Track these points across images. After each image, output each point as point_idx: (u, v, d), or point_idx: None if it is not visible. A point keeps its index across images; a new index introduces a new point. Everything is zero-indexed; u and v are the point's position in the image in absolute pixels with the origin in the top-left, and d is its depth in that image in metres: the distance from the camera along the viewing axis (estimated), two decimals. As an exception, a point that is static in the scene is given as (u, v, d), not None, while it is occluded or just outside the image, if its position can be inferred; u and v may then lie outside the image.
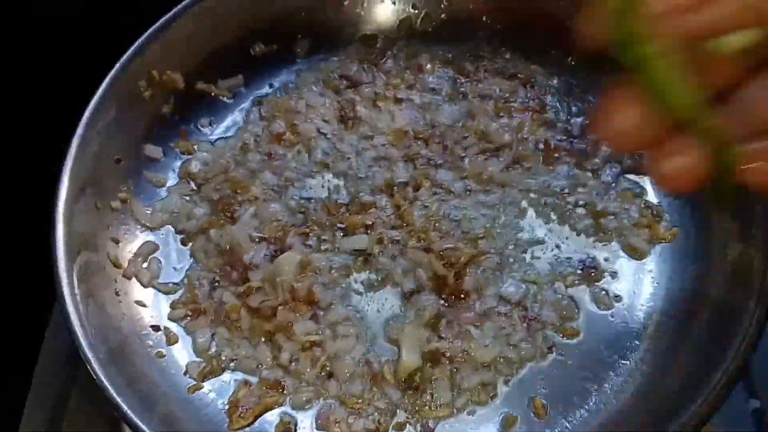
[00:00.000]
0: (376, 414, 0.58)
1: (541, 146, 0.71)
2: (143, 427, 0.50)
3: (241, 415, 0.58)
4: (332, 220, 0.67)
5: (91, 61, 0.67)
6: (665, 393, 0.57)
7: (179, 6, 0.69)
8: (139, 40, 0.67)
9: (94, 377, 0.52)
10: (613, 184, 0.69)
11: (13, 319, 0.70)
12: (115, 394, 0.51)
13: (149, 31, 0.68)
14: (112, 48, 0.69)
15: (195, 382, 0.60)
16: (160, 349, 0.61)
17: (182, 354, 0.61)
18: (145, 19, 0.68)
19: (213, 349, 0.61)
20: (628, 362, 0.60)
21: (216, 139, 0.74)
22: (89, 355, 0.53)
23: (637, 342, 0.61)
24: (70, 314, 0.55)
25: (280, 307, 0.61)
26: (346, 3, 0.78)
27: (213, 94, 0.75)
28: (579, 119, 0.73)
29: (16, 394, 0.68)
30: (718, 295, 0.61)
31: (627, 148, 0.42)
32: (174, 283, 0.65)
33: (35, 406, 0.67)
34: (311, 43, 0.78)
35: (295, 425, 0.58)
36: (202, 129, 0.74)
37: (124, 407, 0.50)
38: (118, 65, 0.66)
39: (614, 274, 0.64)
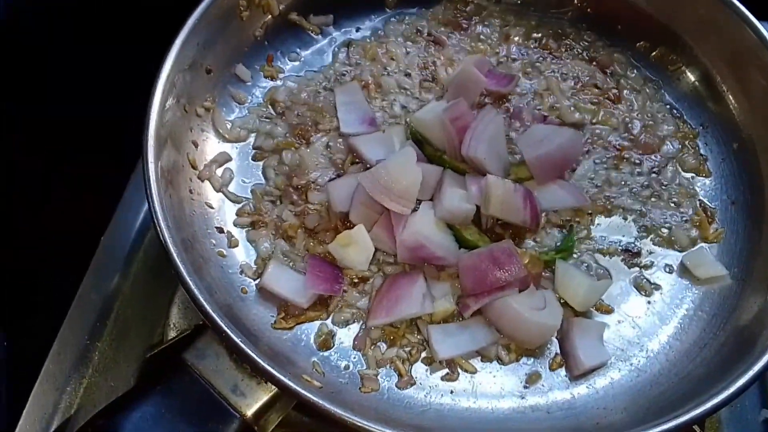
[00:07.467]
0: (408, 347, 0.62)
1: (609, 138, 0.73)
2: (207, 308, 0.54)
3: (285, 318, 0.62)
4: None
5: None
6: (686, 378, 0.60)
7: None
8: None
9: (169, 258, 0.56)
10: (672, 182, 0.71)
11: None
12: (186, 275, 0.55)
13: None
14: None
15: (249, 282, 0.64)
16: (221, 249, 0.66)
17: (241, 257, 0.66)
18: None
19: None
20: (655, 345, 0.63)
21: (304, 71, 0.77)
22: (167, 237, 0.57)
23: (667, 329, 0.64)
24: (154, 198, 0.58)
25: (331, 233, 0.65)
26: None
27: (303, 27, 0.79)
28: (648, 116, 0.75)
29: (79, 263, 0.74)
30: (750, 305, 0.64)
31: None
32: (242, 196, 0.69)
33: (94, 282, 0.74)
34: (404, -7, 0.80)
35: (333, 338, 0.62)
36: (287, 59, 0.78)
37: (194, 288, 0.54)
38: (224, -19, 0.69)
39: (656, 264, 0.67)
